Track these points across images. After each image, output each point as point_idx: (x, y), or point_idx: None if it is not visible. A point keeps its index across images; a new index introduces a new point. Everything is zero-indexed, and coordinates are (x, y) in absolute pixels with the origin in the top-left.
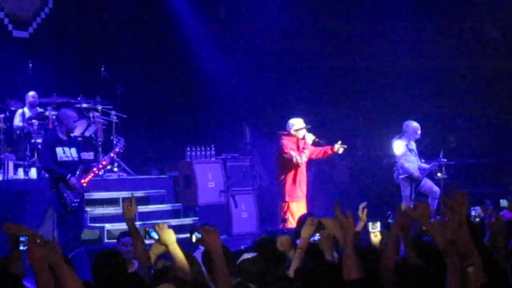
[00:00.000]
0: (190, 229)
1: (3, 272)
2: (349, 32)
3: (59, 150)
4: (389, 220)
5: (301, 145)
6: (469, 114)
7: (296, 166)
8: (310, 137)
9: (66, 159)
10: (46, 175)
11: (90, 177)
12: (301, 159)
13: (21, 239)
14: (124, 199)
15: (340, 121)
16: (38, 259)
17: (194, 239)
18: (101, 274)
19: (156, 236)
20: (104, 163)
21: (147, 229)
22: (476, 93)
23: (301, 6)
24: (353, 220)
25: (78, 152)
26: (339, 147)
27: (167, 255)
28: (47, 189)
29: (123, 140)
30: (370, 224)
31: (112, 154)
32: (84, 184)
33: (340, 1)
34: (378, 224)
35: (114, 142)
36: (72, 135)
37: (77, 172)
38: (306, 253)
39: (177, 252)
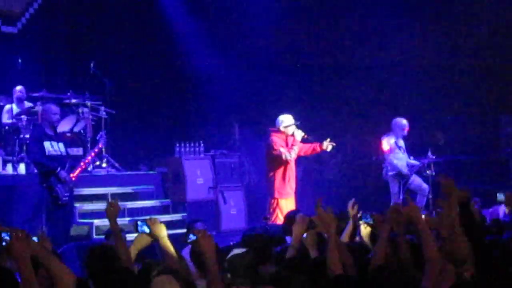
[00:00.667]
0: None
1: None
2: (340, 28)
3: (47, 144)
4: (362, 220)
5: (290, 142)
6: (458, 111)
7: (285, 162)
8: (299, 134)
9: (54, 153)
10: (35, 170)
11: (78, 171)
12: (290, 155)
13: (3, 235)
14: (112, 195)
15: (329, 118)
16: (18, 253)
17: (188, 240)
18: (95, 268)
19: (147, 230)
20: (89, 157)
21: (138, 222)
22: (465, 90)
23: (293, 3)
24: (334, 215)
25: (66, 147)
26: (327, 145)
27: (146, 251)
28: (36, 184)
29: (105, 136)
30: (359, 215)
31: (96, 150)
32: (73, 178)
33: None
34: (368, 215)
35: (97, 138)
36: (58, 130)
37: (66, 166)
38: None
39: (168, 246)
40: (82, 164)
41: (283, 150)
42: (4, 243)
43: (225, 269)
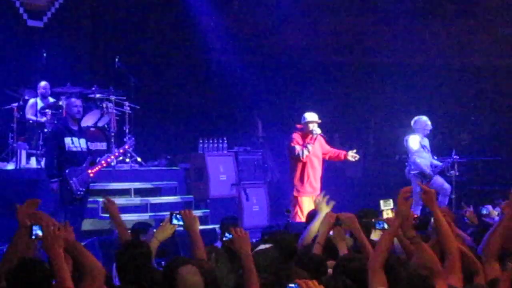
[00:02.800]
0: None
1: (26, 258)
2: (364, 27)
3: (67, 140)
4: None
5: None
6: (482, 112)
7: (304, 160)
8: (316, 130)
9: (75, 149)
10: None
11: (97, 168)
12: (303, 153)
13: (34, 228)
14: (136, 190)
15: (353, 116)
16: (54, 246)
17: (224, 239)
18: (126, 265)
19: (180, 222)
20: (112, 157)
21: (173, 213)
22: (489, 90)
23: (316, 3)
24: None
25: (88, 143)
26: (353, 155)
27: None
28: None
29: (133, 138)
30: (382, 201)
31: (121, 150)
32: (91, 175)
33: None
34: (391, 201)
35: (125, 139)
36: (83, 125)
37: (85, 163)
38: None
39: (199, 240)
40: (103, 162)
41: (297, 147)
42: (33, 237)
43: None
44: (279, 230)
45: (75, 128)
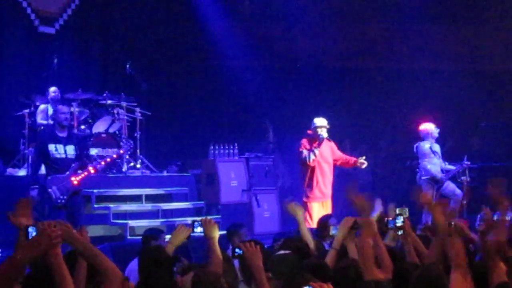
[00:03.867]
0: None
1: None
2: (374, 33)
3: (51, 147)
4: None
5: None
6: (493, 117)
7: (312, 165)
8: (323, 133)
9: (58, 156)
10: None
11: (83, 175)
12: (309, 158)
13: (29, 230)
14: (147, 196)
15: (364, 122)
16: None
17: (236, 254)
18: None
19: (200, 229)
20: (102, 163)
21: (194, 222)
22: (501, 95)
23: (325, 8)
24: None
25: (78, 149)
26: (361, 162)
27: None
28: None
29: (131, 142)
30: (397, 209)
31: (115, 156)
32: (75, 182)
33: (362, 4)
34: (407, 210)
35: (121, 143)
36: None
37: (69, 170)
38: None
39: (216, 247)
40: (90, 168)
41: (305, 152)
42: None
43: (267, 269)
44: (296, 236)
45: (63, 134)
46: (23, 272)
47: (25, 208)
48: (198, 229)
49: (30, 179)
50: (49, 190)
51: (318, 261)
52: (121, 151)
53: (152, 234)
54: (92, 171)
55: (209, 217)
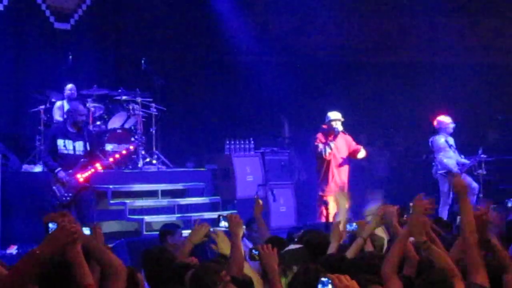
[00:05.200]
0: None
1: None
2: (389, 27)
3: (60, 142)
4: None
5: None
6: (509, 110)
7: (326, 159)
8: (338, 128)
9: (66, 152)
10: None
11: (89, 172)
12: (325, 151)
13: (50, 226)
14: (163, 191)
15: (380, 116)
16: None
17: (253, 254)
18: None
19: (226, 224)
20: (111, 159)
21: (220, 216)
22: None
23: (339, 2)
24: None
25: (87, 145)
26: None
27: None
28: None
29: (143, 138)
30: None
31: (124, 151)
32: (81, 179)
33: None
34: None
35: (132, 139)
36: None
37: (74, 167)
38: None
39: (239, 244)
40: (98, 165)
41: (320, 145)
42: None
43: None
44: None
45: (73, 130)
46: (42, 267)
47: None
48: (223, 223)
49: (48, 169)
50: (53, 187)
51: (337, 255)
52: (131, 147)
53: (168, 229)
54: (100, 168)
55: (235, 214)
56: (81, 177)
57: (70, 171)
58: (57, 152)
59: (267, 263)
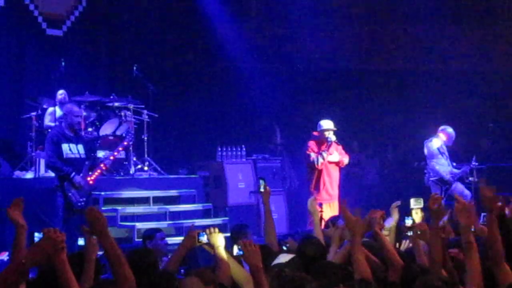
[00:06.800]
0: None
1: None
2: (384, 35)
3: (65, 146)
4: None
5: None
6: (501, 118)
7: (320, 168)
8: (331, 138)
9: (72, 156)
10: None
11: (96, 174)
12: (318, 161)
13: (36, 234)
14: (154, 198)
15: (371, 124)
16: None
17: (235, 254)
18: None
19: (205, 240)
20: (111, 157)
21: (198, 232)
22: (509, 96)
23: (334, 9)
24: (361, 219)
25: (86, 149)
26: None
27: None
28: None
29: (132, 133)
30: (412, 200)
31: (120, 148)
32: (91, 182)
33: (371, 5)
34: (421, 200)
35: (123, 135)
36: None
37: (83, 170)
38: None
39: (222, 256)
40: (102, 165)
41: (312, 155)
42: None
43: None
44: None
45: (71, 134)
46: (26, 276)
47: (19, 207)
48: (204, 238)
49: (64, 173)
50: (69, 194)
51: (328, 262)
52: (125, 143)
53: (148, 234)
54: (104, 168)
55: (212, 227)
56: (90, 179)
57: (81, 174)
58: (62, 157)
59: (250, 262)
